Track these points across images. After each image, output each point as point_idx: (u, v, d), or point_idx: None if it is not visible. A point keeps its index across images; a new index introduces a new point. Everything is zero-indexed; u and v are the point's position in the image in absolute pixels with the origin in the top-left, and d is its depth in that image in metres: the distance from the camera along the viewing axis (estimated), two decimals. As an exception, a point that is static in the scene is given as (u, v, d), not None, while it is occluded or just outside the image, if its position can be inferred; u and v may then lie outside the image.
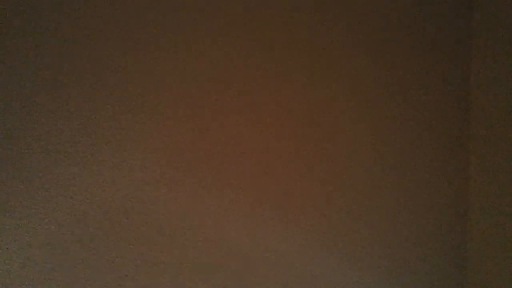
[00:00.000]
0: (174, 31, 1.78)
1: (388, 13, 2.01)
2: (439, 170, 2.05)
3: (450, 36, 2.07)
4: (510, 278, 1.89)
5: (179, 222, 1.77)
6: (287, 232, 1.89)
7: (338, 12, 1.96)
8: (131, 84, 1.73)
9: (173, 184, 1.76)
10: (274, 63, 1.89)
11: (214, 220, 1.81)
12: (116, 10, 1.73)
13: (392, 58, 2.01)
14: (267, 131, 1.88)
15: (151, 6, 1.76)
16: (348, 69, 1.97)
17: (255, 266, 1.85)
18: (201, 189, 1.79)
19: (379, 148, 1.99)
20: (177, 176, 1.77)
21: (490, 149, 1.99)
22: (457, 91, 2.08)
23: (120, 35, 1.73)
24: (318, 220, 1.92)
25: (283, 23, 1.90)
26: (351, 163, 1.96)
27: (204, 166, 1.80)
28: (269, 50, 1.89)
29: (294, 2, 1.91)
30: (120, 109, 1.72)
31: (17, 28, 1.64)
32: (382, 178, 1.99)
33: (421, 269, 2.02)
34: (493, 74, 2.00)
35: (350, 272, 1.95)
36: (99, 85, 1.70)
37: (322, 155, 1.93)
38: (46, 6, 1.67)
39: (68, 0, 1.69)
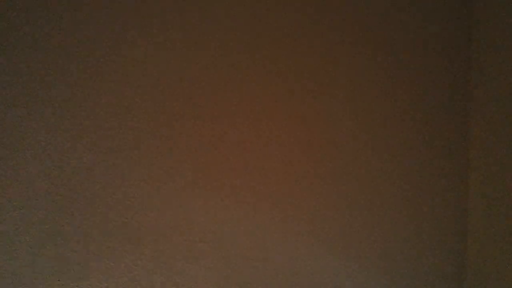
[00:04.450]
0: (177, 34, 1.80)
1: (388, 13, 2.01)
2: (439, 170, 2.05)
3: (450, 35, 2.07)
4: (510, 279, 1.89)
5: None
6: (286, 232, 1.89)
7: (338, 12, 1.96)
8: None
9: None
10: (274, 64, 1.89)
11: (216, 219, 1.82)
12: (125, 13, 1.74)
13: (392, 58, 2.01)
14: (267, 133, 1.88)
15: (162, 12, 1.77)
16: (347, 70, 1.97)
17: (255, 264, 1.86)
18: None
19: (379, 148, 1.99)
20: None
21: (490, 149, 1.99)
22: (457, 91, 2.08)
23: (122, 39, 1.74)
24: (318, 221, 1.92)
25: (284, 26, 1.90)
26: (350, 163, 1.96)
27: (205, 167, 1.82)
28: (269, 51, 1.89)
29: (295, 5, 1.91)
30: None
31: (18, 28, 1.65)
32: (382, 178, 1.99)
33: (421, 270, 2.02)
34: (493, 74, 1.99)
35: (349, 272, 1.95)
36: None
37: (322, 156, 1.93)
38: (50, 7, 1.68)
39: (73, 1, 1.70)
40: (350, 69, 1.97)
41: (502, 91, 1.96)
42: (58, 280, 1.66)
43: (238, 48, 1.85)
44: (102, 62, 1.72)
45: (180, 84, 1.79)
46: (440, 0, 2.07)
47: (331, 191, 1.94)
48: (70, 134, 1.69)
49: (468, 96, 2.08)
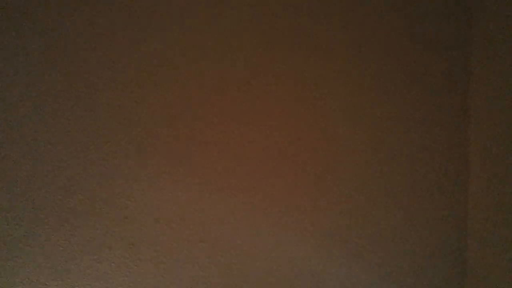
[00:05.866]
0: (176, 33, 1.81)
1: (388, 13, 2.00)
2: (439, 171, 2.04)
3: (450, 36, 2.06)
4: (509, 281, 1.87)
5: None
6: (286, 233, 1.89)
7: (337, 13, 1.96)
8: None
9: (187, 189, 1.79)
10: (274, 64, 1.89)
11: (216, 220, 1.82)
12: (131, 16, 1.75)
13: (392, 58, 2.01)
14: (266, 133, 1.89)
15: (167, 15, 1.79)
16: (347, 69, 1.96)
17: (256, 265, 1.86)
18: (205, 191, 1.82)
19: (379, 149, 1.99)
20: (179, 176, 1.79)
21: (490, 149, 1.98)
22: (457, 91, 2.06)
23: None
24: (318, 222, 1.92)
25: (284, 26, 1.91)
26: (350, 163, 1.96)
27: (208, 170, 1.82)
28: (269, 51, 1.89)
29: (294, 5, 1.92)
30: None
31: (21, 30, 1.67)
32: (382, 179, 1.99)
33: (421, 270, 2.01)
34: (493, 74, 1.98)
35: (349, 272, 1.94)
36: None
37: (322, 156, 1.93)
38: (55, 8, 1.70)
39: (79, 1, 1.72)
40: (350, 69, 1.96)
41: (502, 91, 1.95)
42: (58, 280, 1.68)
43: (237, 48, 1.86)
44: (101, 63, 1.74)
45: (180, 84, 1.80)
46: (439, 0, 2.06)
47: (331, 192, 1.94)
48: (71, 135, 1.71)
49: (468, 96, 2.06)
